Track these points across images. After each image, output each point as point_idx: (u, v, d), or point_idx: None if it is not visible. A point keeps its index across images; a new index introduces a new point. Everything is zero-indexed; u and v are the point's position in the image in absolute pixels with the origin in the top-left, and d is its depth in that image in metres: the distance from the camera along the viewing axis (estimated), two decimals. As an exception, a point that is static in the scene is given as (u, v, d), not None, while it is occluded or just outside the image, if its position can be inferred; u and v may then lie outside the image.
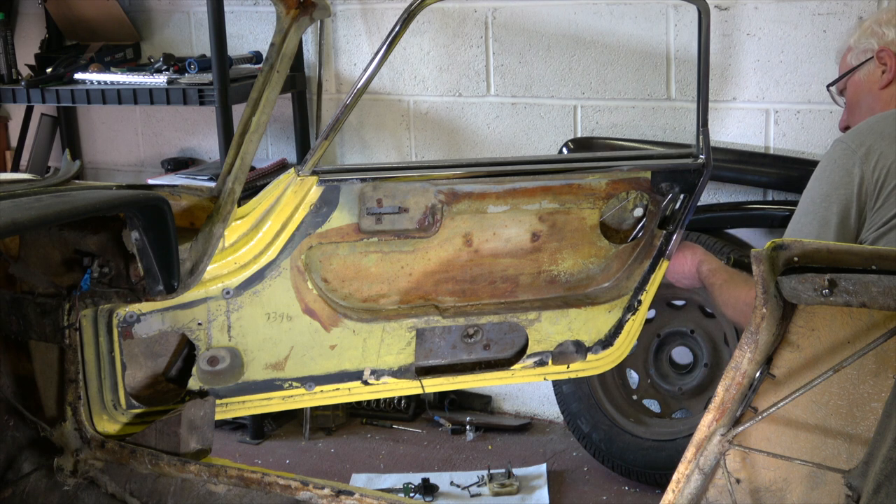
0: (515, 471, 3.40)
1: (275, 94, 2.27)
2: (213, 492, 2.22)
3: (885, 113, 2.45)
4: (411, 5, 2.15)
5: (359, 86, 2.22)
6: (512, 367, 2.53)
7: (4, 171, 4.32)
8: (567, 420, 3.43)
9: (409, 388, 2.50)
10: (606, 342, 2.55)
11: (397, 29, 2.17)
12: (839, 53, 2.68)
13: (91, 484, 2.30)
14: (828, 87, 2.71)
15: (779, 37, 3.19)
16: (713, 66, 3.17)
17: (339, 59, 3.80)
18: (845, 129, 2.61)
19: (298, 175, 2.30)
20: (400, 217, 2.37)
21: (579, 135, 3.51)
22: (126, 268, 2.22)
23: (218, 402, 2.39)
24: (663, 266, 2.53)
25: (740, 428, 1.74)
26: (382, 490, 3.30)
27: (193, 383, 2.37)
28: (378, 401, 3.83)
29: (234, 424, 3.78)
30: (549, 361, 2.54)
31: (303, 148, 3.85)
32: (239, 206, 2.34)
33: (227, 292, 2.33)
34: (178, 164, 4.02)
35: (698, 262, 2.52)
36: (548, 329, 2.50)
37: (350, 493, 2.12)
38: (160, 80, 3.57)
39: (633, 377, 3.48)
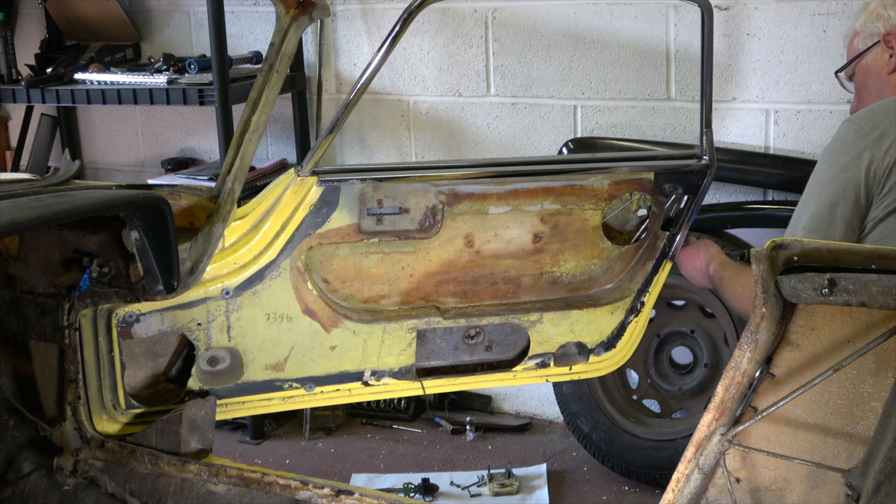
0: (515, 471, 3.40)
1: (274, 94, 2.27)
2: (212, 491, 2.22)
3: None
4: (411, 5, 2.15)
5: (359, 85, 2.22)
6: (514, 369, 2.53)
7: (4, 171, 4.31)
8: (567, 420, 3.43)
9: (410, 389, 2.50)
10: (609, 344, 2.55)
11: (397, 29, 2.17)
12: (846, 37, 2.64)
13: (91, 484, 2.30)
14: (836, 73, 2.67)
15: (779, 37, 3.18)
16: (713, 66, 3.17)
17: (339, 59, 3.80)
18: None
19: (298, 175, 2.30)
20: (401, 218, 2.36)
21: (579, 135, 3.51)
22: (126, 267, 2.22)
23: (218, 402, 2.39)
24: (666, 268, 2.52)
25: (740, 427, 1.74)
26: (382, 490, 3.30)
27: (193, 383, 2.37)
28: (378, 401, 3.83)
29: (234, 424, 3.77)
30: (552, 363, 2.53)
31: (303, 148, 3.85)
32: (239, 206, 2.33)
33: (227, 292, 2.33)
34: (178, 164, 4.02)
35: (709, 258, 2.52)
36: (550, 330, 2.50)
37: (350, 493, 2.12)
38: (160, 80, 3.57)
39: (633, 377, 3.48)
